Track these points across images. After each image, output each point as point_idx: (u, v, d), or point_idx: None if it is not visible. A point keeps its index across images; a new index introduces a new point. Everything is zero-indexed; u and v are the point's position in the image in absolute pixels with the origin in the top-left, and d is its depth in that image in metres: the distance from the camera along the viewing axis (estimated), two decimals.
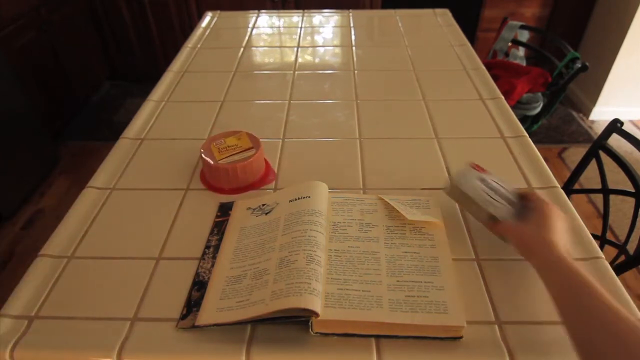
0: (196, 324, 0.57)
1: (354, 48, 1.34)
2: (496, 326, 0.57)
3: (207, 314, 0.58)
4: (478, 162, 0.82)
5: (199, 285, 0.62)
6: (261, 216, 0.71)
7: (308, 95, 1.11)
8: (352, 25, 1.51)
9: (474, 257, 0.67)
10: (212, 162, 0.79)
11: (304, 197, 0.70)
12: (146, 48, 2.73)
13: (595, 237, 0.74)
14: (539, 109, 1.73)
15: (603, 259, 0.65)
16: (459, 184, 0.67)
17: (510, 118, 0.98)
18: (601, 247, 1.02)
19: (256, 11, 1.63)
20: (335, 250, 0.65)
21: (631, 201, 0.98)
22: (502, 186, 0.67)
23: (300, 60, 1.28)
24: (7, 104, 1.85)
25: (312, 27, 1.51)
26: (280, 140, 0.94)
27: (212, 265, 0.65)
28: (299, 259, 0.59)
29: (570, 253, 0.57)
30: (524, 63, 1.85)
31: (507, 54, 1.87)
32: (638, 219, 0.98)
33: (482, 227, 0.71)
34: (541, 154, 0.87)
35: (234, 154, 0.80)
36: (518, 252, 0.62)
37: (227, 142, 0.83)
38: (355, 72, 1.20)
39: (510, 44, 1.85)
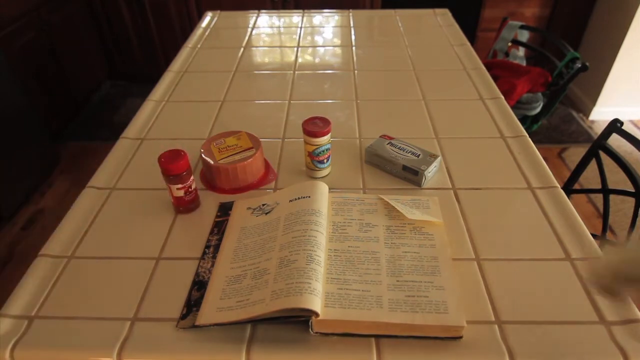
0: (196, 323, 0.57)
1: (354, 48, 1.34)
2: (496, 326, 0.57)
3: (207, 313, 0.58)
4: (478, 162, 0.86)
5: (199, 285, 0.62)
6: (261, 216, 0.71)
7: (308, 95, 1.11)
8: (352, 25, 1.51)
9: (474, 257, 0.67)
10: (212, 162, 0.79)
11: (304, 197, 0.70)
12: (146, 48, 2.73)
13: (595, 237, 0.74)
14: (539, 109, 1.73)
15: None
16: (373, 149, 0.84)
17: (510, 118, 0.98)
18: (601, 247, 1.02)
19: (256, 11, 1.63)
20: (335, 250, 0.65)
21: (631, 201, 0.98)
22: (407, 145, 0.84)
23: (300, 60, 1.28)
24: (7, 104, 1.84)
25: (312, 27, 1.51)
26: (280, 140, 0.94)
27: (212, 265, 0.65)
28: (299, 259, 0.59)
29: None
30: (524, 63, 1.85)
31: (507, 54, 1.87)
32: (638, 219, 0.98)
33: (482, 227, 0.71)
34: (541, 154, 0.87)
35: (234, 154, 0.80)
36: None
37: (227, 142, 0.83)
38: (355, 72, 1.20)
39: (510, 44, 1.85)
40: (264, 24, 1.53)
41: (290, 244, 0.62)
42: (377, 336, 0.56)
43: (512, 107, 1.67)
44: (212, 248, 0.68)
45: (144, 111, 1.04)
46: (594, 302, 0.60)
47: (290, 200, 0.71)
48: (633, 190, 0.98)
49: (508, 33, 1.83)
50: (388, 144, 0.85)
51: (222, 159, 0.79)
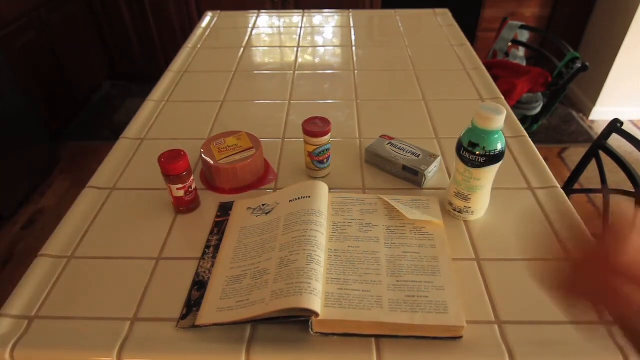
0: (196, 323, 0.57)
1: (354, 48, 1.34)
2: (496, 326, 0.57)
3: (207, 313, 0.58)
4: None
5: (199, 285, 0.62)
6: (261, 216, 0.71)
7: (308, 95, 1.11)
8: (352, 25, 1.51)
9: (474, 257, 0.67)
10: (212, 162, 0.79)
11: (304, 197, 0.70)
12: (146, 48, 2.73)
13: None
14: (539, 109, 1.73)
15: None
16: (373, 149, 0.84)
17: (510, 118, 0.98)
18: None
19: (256, 11, 1.63)
20: (335, 250, 0.65)
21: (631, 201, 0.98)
22: (407, 145, 0.84)
23: (300, 60, 1.28)
24: (7, 104, 1.84)
25: (312, 27, 1.51)
26: (281, 140, 0.94)
27: (212, 265, 0.65)
28: (299, 259, 0.59)
29: None
30: (524, 63, 1.85)
31: (507, 54, 1.87)
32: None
33: (483, 228, 0.71)
34: (541, 154, 0.87)
35: (234, 154, 0.80)
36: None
37: (227, 142, 0.83)
38: (355, 72, 1.20)
39: (510, 44, 1.85)
40: (264, 24, 1.53)
41: (290, 244, 0.62)
42: (377, 336, 0.56)
43: (512, 107, 1.67)
44: (212, 248, 0.68)
45: (144, 111, 1.04)
46: None
47: (290, 200, 0.71)
48: (633, 190, 0.98)
49: (508, 33, 1.83)
50: (388, 144, 0.85)
51: (222, 159, 0.79)
